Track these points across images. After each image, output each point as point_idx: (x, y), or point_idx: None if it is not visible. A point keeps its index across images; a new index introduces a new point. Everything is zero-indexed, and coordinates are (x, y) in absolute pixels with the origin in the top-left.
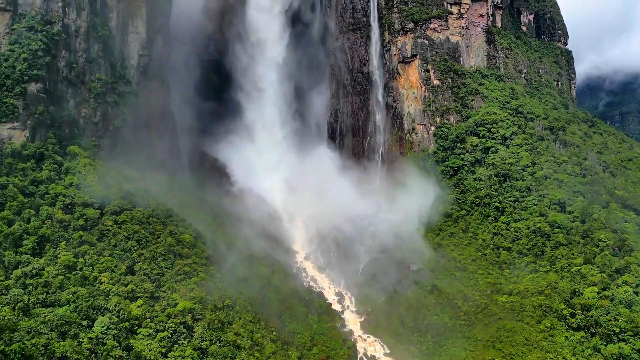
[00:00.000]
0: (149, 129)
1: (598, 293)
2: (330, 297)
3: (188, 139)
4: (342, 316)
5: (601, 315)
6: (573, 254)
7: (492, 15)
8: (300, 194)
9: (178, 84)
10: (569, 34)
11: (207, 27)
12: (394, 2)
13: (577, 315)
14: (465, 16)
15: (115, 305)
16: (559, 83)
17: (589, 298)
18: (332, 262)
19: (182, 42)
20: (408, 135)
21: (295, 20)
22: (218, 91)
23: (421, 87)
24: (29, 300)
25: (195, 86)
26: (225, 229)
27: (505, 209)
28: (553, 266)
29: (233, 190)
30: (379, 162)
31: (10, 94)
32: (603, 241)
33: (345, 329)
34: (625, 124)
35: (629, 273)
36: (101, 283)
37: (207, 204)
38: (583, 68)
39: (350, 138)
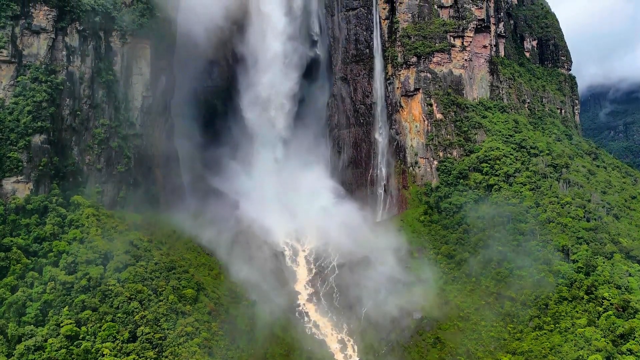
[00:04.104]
0: (153, 169)
1: None
2: (333, 346)
3: (190, 173)
4: None
5: None
6: (577, 311)
7: (495, 45)
8: (302, 229)
9: (180, 113)
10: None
11: (210, 54)
12: (397, 36)
13: None
14: (468, 49)
15: None
16: (563, 111)
17: None
18: (334, 305)
19: (184, 69)
20: (411, 168)
21: (298, 48)
22: (220, 120)
23: (424, 120)
24: None
25: (197, 115)
26: (228, 272)
27: (509, 254)
28: (557, 325)
29: (236, 228)
30: (382, 194)
31: (14, 147)
32: (607, 299)
33: None
34: (630, 134)
35: (634, 340)
36: (103, 355)
37: (209, 245)
38: (589, 76)
39: (352, 169)
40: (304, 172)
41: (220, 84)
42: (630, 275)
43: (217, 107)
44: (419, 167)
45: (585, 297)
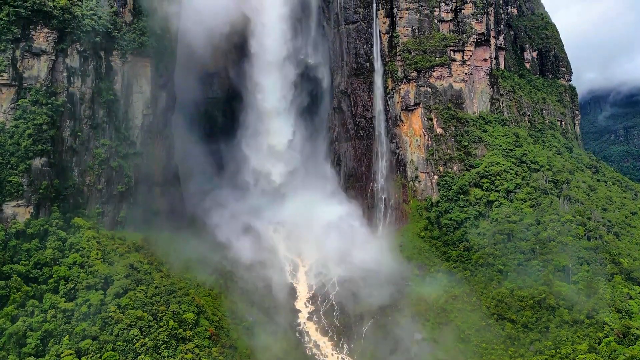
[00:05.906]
0: (153, 187)
1: None
2: None
3: (190, 188)
4: None
5: None
6: (578, 336)
7: (495, 57)
8: (302, 243)
9: (179, 126)
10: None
11: (210, 65)
12: (397, 50)
13: None
14: (468, 62)
15: None
16: (563, 122)
17: None
18: (334, 324)
19: (184, 80)
20: (411, 182)
21: (300, 62)
22: (220, 132)
23: (424, 135)
24: None
25: (197, 127)
26: (228, 292)
27: (509, 273)
28: (558, 350)
29: (236, 244)
30: (382, 209)
31: (14, 171)
32: (608, 324)
33: None
34: (630, 137)
35: None
36: None
37: (209, 263)
38: (589, 79)
39: (352, 183)
40: (303, 187)
41: (220, 96)
42: (630, 298)
43: (217, 119)
44: (419, 182)
45: (587, 320)
